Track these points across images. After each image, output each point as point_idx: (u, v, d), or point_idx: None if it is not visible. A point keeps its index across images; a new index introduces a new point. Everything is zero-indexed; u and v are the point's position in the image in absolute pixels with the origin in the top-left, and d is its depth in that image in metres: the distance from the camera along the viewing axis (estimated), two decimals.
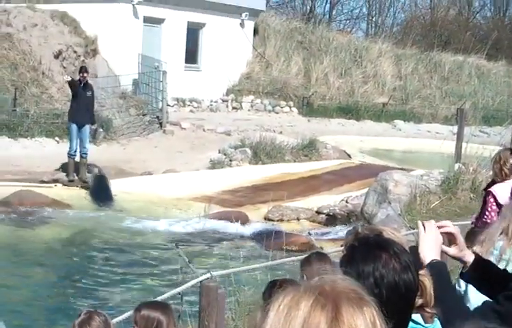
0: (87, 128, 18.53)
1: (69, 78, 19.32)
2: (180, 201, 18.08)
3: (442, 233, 3.08)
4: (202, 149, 23.52)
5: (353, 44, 37.35)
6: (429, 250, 3.00)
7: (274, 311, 1.54)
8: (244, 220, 16.64)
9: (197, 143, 24.60)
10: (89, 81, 19.14)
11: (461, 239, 3.16)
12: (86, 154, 18.54)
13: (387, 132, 31.81)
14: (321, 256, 5.12)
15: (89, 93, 18.58)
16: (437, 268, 2.96)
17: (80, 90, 18.48)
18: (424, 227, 3.04)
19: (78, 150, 18.35)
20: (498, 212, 6.95)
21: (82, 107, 18.36)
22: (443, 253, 3.10)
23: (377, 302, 1.64)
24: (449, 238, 3.14)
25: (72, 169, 18.36)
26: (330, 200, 18.13)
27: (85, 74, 18.69)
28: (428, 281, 2.65)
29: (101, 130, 20.15)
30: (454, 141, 21.04)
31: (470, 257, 3.19)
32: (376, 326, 1.57)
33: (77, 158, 18.44)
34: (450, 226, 3.16)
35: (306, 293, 1.55)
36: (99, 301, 10.73)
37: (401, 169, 19.34)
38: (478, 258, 3.25)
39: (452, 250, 3.14)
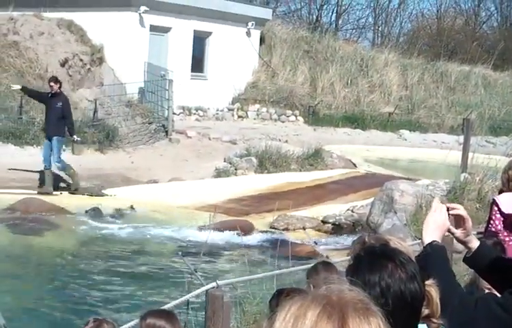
0: (55, 140, 17.80)
1: (19, 87, 18.76)
2: (186, 210, 18.06)
3: (451, 215, 3.13)
4: (208, 158, 23.53)
5: (360, 54, 37.35)
6: (433, 231, 3.05)
7: (280, 320, 1.54)
8: (250, 229, 16.62)
9: (203, 152, 24.61)
10: (62, 92, 18.30)
11: (469, 224, 3.19)
12: (50, 166, 17.92)
13: (393, 141, 31.78)
14: (328, 265, 5.12)
15: (58, 105, 17.72)
16: (436, 250, 3.00)
17: (49, 101, 17.93)
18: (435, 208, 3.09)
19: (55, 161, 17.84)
20: (503, 221, 6.95)
21: (49, 119, 17.91)
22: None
23: (383, 312, 1.63)
24: (457, 222, 3.18)
25: (49, 181, 17.91)
26: (335, 209, 18.09)
27: (52, 84, 17.90)
28: (434, 291, 2.65)
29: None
30: (461, 151, 21.05)
31: (475, 243, 3.24)
32: None
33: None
34: (461, 209, 3.20)
35: (313, 302, 1.54)
36: (104, 310, 10.71)
37: (407, 178, 19.32)
38: (483, 245, 3.27)
39: (458, 232, 3.19)
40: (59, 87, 18.09)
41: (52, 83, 17.99)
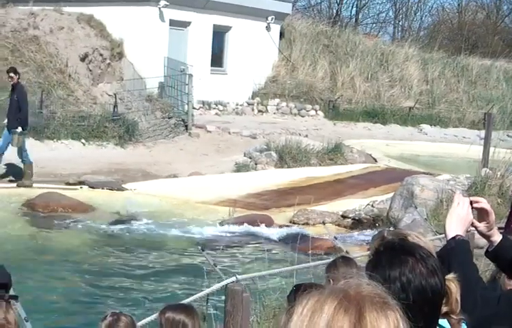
0: (15, 132, 17.30)
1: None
2: (205, 204, 18.06)
3: (474, 208, 3.10)
4: (227, 153, 23.54)
5: (380, 48, 37.23)
6: (456, 224, 3.03)
7: (297, 315, 1.53)
8: (270, 223, 16.60)
9: (223, 146, 24.62)
10: (20, 83, 17.75)
11: (492, 217, 3.16)
12: (24, 160, 17.64)
13: (413, 136, 31.68)
14: (347, 260, 5.14)
15: (15, 97, 17.37)
16: (460, 244, 2.97)
17: (11, 93, 17.65)
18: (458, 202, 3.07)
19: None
20: None
21: (10, 111, 17.56)
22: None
23: (402, 307, 1.62)
24: (480, 215, 3.15)
25: (28, 175, 17.58)
26: (355, 204, 18.02)
27: (12, 75, 17.43)
28: (454, 286, 2.62)
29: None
30: (482, 146, 20.90)
31: (497, 237, 3.21)
32: None
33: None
34: (484, 202, 3.16)
35: (330, 296, 1.53)
36: (122, 304, 10.73)
37: (428, 173, 19.21)
38: (506, 239, 3.24)
39: (481, 226, 3.17)
40: (18, 78, 17.70)
41: (12, 74, 17.56)
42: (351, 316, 1.49)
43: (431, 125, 33.72)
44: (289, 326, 1.53)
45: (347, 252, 12.76)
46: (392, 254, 2.41)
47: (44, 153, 20.96)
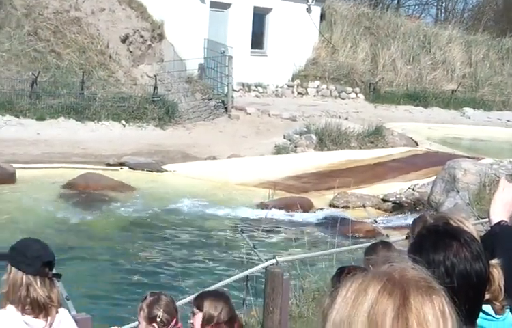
0: None
1: None
2: (245, 187, 18.06)
3: None
4: (267, 135, 23.49)
5: (422, 30, 36.80)
6: (500, 210, 2.96)
7: (341, 297, 1.52)
8: (309, 206, 16.55)
9: (262, 129, 24.57)
10: None
11: None
12: None
13: (455, 119, 31.31)
14: (386, 245, 5.12)
15: None
16: (504, 230, 2.90)
17: None
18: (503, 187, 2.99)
19: None
20: None
21: None
22: None
23: (447, 291, 1.57)
24: None
25: None
26: (396, 188, 17.89)
27: None
28: (497, 273, 2.55)
29: None
30: None
31: None
32: (445, 315, 1.51)
33: None
34: None
35: (374, 279, 1.51)
36: (162, 285, 10.77)
37: (470, 157, 18.96)
38: None
39: None
40: None
41: None
42: (396, 298, 1.47)
43: (474, 108, 33.30)
44: (333, 309, 1.52)
45: (387, 236, 12.69)
46: (436, 238, 2.36)
47: (85, 134, 21.14)
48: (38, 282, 3.57)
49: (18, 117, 21.39)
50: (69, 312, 4.26)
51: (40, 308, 3.58)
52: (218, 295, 4.73)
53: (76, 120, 21.92)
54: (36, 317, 3.60)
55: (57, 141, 20.07)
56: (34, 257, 3.59)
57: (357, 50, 33.09)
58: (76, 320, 4.12)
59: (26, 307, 3.57)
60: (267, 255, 8.26)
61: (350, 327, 1.47)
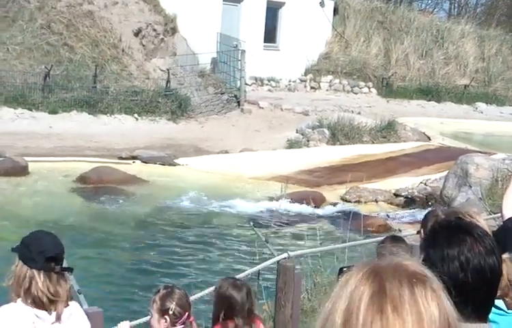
0: None
1: None
2: (257, 181, 18.06)
3: None
4: (279, 129, 23.47)
5: (435, 25, 36.65)
6: None
7: (332, 296, 1.54)
8: (321, 200, 16.53)
9: (275, 123, 24.55)
10: None
11: None
12: None
13: (468, 114, 31.21)
14: (396, 239, 5.17)
15: None
16: None
17: None
18: None
19: None
20: None
21: None
22: None
23: (439, 280, 1.53)
24: None
25: None
26: (408, 182, 17.86)
27: None
28: (506, 268, 2.55)
29: None
30: None
31: None
32: (429, 305, 1.46)
33: None
34: None
35: (357, 270, 1.53)
36: (175, 279, 10.77)
37: (483, 152, 18.90)
38: None
39: None
40: None
41: None
42: (372, 284, 1.47)
43: (486, 103, 33.16)
44: (325, 303, 1.54)
45: (399, 230, 12.69)
46: (449, 233, 2.36)
47: (98, 127, 21.17)
48: (42, 277, 3.56)
49: (31, 111, 21.47)
50: (81, 306, 4.26)
51: (43, 303, 3.57)
52: (231, 283, 4.82)
53: (89, 114, 21.96)
54: (45, 310, 3.60)
55: (70, 134, 20.11)
56: (37, 252, 3.58)
57: (370, 45, 32.99)
58: (87, 314, 4.12)
59: (29, 301, 3.57)
60: (279, 250, 8.26)
61: (332, 315, 1.48)
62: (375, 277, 1.48)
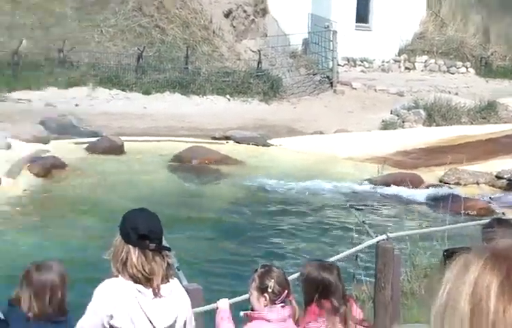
0: None
1: None
2: (352, 162, 17.80)
3: None
4: (373, 110, 23.10)
5: None
6: None
7: (445, 280, 1.49)
8: (419, 182, 16.12)
9: (368, 104, 24.18)
10: None
11: None
12: None
13: None
14: (504, 222, 4.96)
15: None
16: None
17: None
18: None
19: None
20: None
21: None
22: None
23: None
24: None
25: None
26: (510, 164, 17.20)
27: None
28: None
29: None
30: None
31: None
32: None
33: None
34: None
35: (476, 256, 1.47)
36: (272, 258, 10.59)
37: None
38: None
39: None
40: None
41: None
42: (499, 271, 1.42)
43: None
44: (439, 292, 1.48)
45: (503, 213, 12.16)
46: None
47: (190, 108, 21.29)
48: (136, 253, 3.62)
49: (125, 91, 21.77)
50: (181, 282, 4.30)
51: (139, 279, 3.62)
52: (321, 265, 4.83)
53: (181, 94, 22.13)
54: (145, 286, 3.64)
55: (162, 115, 20.24)
56: (131, 228, 3.66)
57: (467, 23, 32.04)
58: (187, 290, 4.15)
59: (128, 277, 3.62)
60: (376, 232, 8.06)
61: (456, 306, 1.43)
62: (502, 263, 1.44)
